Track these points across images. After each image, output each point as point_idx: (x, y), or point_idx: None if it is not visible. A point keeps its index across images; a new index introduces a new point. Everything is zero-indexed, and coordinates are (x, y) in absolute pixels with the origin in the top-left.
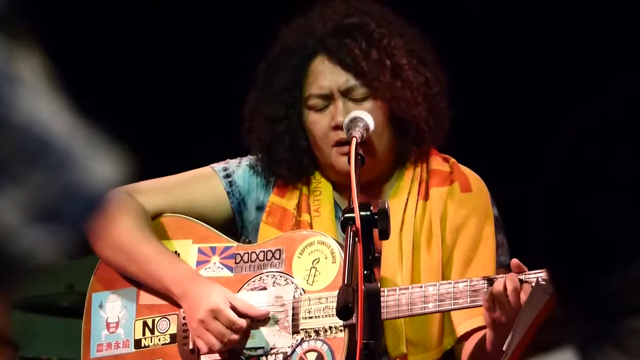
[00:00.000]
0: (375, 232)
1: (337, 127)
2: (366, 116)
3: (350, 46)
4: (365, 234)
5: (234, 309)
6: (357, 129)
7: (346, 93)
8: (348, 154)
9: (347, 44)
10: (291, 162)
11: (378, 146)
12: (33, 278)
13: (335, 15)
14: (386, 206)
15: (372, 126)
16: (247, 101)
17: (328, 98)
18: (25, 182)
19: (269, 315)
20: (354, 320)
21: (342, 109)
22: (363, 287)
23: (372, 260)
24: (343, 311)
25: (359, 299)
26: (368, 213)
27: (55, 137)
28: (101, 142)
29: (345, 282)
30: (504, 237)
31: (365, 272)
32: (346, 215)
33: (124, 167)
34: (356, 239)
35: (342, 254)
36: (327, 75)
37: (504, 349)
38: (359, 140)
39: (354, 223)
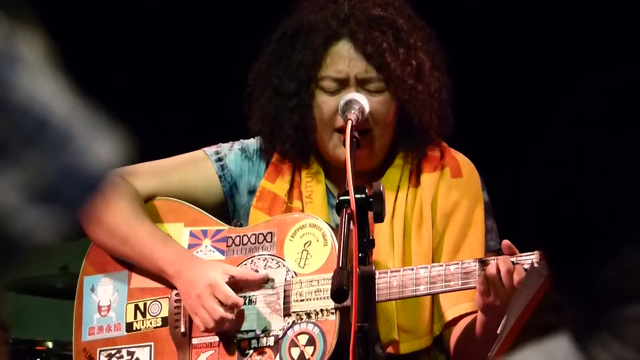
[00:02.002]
0: (370, 215)
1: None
2: (361, 98)
3: (378, 39)
4: (361, 216)
5: (232, 278)
6: (352, 112)
7: (362, 82)
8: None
9: (375, 37)
10: (296, 139)
11: (380, 140)
12: (30, 258)
13: (363, 3)
14: (381, 189)
15: (367, 109)
16: (254, 67)
17: (343, 83)
18: (24, 162)
19: (263, 292)
20: (348, 302)
21: None
22: (358, 269)
23: (367, 243)
24: (338, 294)
25: (354, 282)
26: (363, 196)
27: (55, 118)
28: (101, 123)
29: (340, 265)
30: (493, 222)
31: (360, 254)
32: (341, 197)
33: (124, 148)
34: (351, 221)
35: (334, 237)
36: (347, 61)
37: (497, 332)
38: (354, 123)
39: (349, 206)
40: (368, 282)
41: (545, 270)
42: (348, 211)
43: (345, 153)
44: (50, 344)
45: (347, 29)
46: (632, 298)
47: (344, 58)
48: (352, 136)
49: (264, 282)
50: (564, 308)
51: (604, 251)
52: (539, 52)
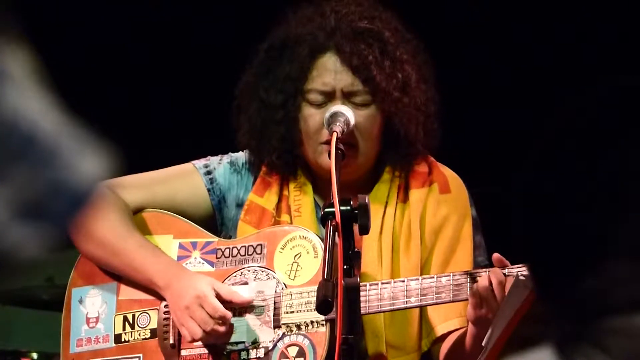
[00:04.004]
0: (356, 227)
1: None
2: (347, 111)
3: (364, 52)
4: (346, 228)
5: (218, 296)
6: (337, 124)
7: (348, 95)
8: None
9: (362, 49)
10: (282, 151)
11: (366, 153)
12: (16, 273)
13: (349, 16)
14: (366, 201)
15: (352, 121)
16: (241, 79)
17: (329, 96)
18: (11, 178)
19: (252, 304)
20: (333, 314)
21: None
22: (343, 281)
23: (352, 255)
24: (322, 306)
25: (339, 294)
26: (348, 208)
27: (42, 134)
28: (88, 139)
29: (325, 277)
30: (481, 238)
31: (345, 266)
32: (326, 209)
33: (111, 163)
34: (336, 233)
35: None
36: (333, 73)
37: (483, 344)
38: (339, 135)
39: (334, 218)
40: (353, 294)
41: (530, 282)
42: (333, 223)
43: (331, 165)
44: (35, 355)
45: (334, 41)
46: (616, 310)
47: (330, 71)
48: (337, 148)
49: (255, 295)
50: (549, 320)
51: (588, 263)
52: (531, 58)
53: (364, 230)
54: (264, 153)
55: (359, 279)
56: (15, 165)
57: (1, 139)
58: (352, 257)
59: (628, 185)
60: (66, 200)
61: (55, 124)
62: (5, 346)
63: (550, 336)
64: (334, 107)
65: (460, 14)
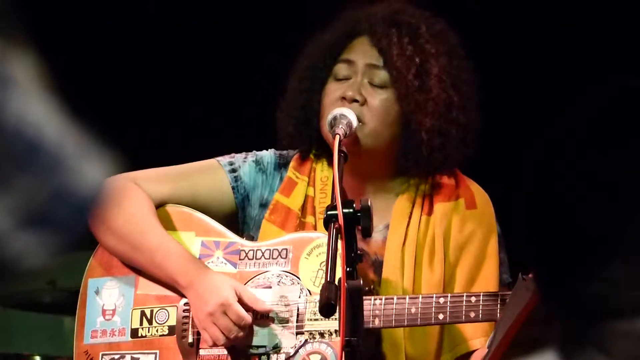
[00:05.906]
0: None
1: (344, 99)
2: (349, 114)
3: (392, 35)
4: (348, 231)
5: (240, 301)
6: (340, 126)
7: (369, 72)
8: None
9: (391, 32)
10: (299, 121)
11: (374, 131)
12: (20, 281)
13: (397, 11)
14: (369, 203)
15: (355, 124)
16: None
17: (352, 67)
18: (15, 186)
19: (271, 312)
20: (336, 316)
21: (358, 85)
22: (345, 284)
23: (355, 257)
24: (325, 308)
25: (342, 296)
26: (351, 210)
27: (47, 141)
28: (92, 145)
29: (328, 280)
30: (505, 255)
31: (347, 269)
32: (329, 212)
33: (114, 169)
34: (339, 236)
35: None
36: (361, 49)
37: (486, 346)
38: (342, 138)
39: (337, 220)
40: (355, 296)
41: (532, 284)
42: (336, 226)
43: (333, 168)
44: (38, 358)
45: (369, 27)
46: (620, 313)
47: (358, 48)
48: (340, 151)
49: (278, 300)
50: (552, 322)
51: (592, 265)
52: (532, 58)
53: (366, 233)
54: (283, 123)
55: (361, 281)
56: (20, 172)
57: (6, 145)
58: (355, 260)
59: (633, 186)
60: (70, 208)
61: (60, 130)
62: (8, 349)
63: (553, 339)
64: (337, 109)
65: (461, 14)
